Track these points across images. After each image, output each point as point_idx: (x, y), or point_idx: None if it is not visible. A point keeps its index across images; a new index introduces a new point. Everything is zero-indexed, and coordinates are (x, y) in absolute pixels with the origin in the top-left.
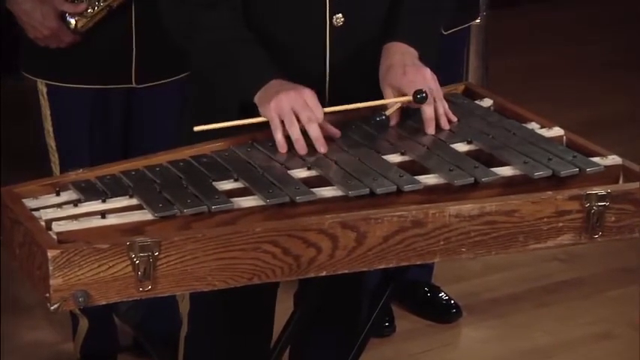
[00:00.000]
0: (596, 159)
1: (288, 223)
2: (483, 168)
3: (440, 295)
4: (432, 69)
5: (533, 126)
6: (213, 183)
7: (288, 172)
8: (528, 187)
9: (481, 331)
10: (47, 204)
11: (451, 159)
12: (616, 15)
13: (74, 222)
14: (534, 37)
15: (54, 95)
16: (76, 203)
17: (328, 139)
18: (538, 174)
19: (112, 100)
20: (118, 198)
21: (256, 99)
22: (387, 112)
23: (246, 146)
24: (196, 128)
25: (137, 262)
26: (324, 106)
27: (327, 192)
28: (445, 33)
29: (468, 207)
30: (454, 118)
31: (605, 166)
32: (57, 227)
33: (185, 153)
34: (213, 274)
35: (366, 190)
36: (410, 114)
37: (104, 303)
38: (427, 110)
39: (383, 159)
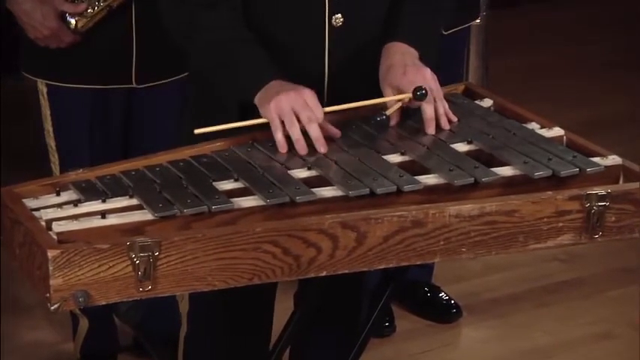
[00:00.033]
0: (596, 159)
1: (289, 223)
2: (483, 168)
3: (440, 295)
4: (432, 69)
5: (534, 126)
6: (214, 183)
7: (289, 172)
8: (528, 187)
9: (481, 331)
10: (47, 204)
11: (451, 159)
12: (616, 15)
13: (74, 222)
14: (534, 37)
15: (54, 95)
16: (76, 203)
17: (328, 139)
18: (538, 174)
19: (112, 100)
20: (118, 198)
21: (256, 99)
22: (388, 112)
23: (247, 146)
24: (197, 131)
25: (137, 262)
26: (323, 106)
27: (327, 192)
28: (445, 33)
29: (468, 207)
30: (454, 118)
31: (606, 166)
32: (57, 227)
33: (185, 153)
34: (214, 274)
35: (366, 190)
36: (410, 114)
37: (104, 303)
38: (427, 110)
39: (383, 159)
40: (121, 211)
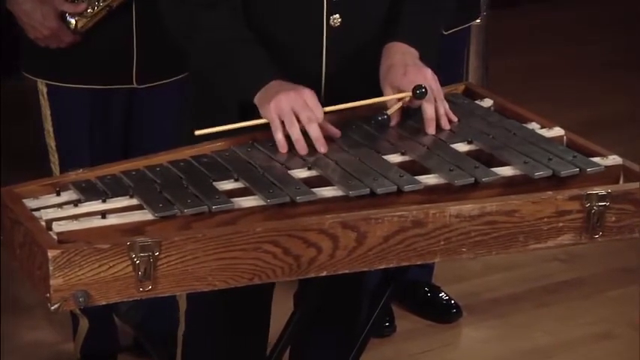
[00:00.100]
0: (596, 159)
1: (289, 223)
2: (484, 168)
3: (440, 295)
4: (432, 69)
5: (534, 126)
6: (214, 183)
7: (289, 172)
8: (529, 187)
9: (481, 331)
10: (47, 204)
11: (451, 159)
12: (616, 15)
13: (74, 222)
14: (534, 37)
15: (54, 95)
16: (76, 203)
17: (328, 139)
18: (538, 174)
19: (112, 101)
20: (119, 198)
21: (256, 99)
22: (389, 112)
23: (247, 146)
24: (197, 132)
25: (137, 262)
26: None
27: (327, 192)
28: (445, 33)
29: (468, 207)
30: (454, 118)
31: (606, 166)
32: (57, 227)
33: (185, 153)
34: (214, 274)
35: (367, 190)
36: (410, 114)
37: (104, 303)
38: (428, 110)
39: (383, 159)
40: (122, 211)
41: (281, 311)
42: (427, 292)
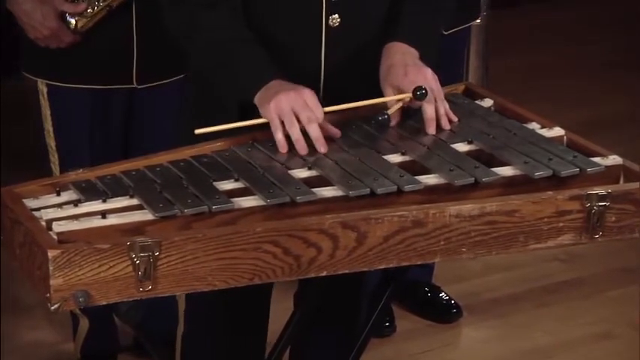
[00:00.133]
0: (596, 159)
1: (289, 223)
2: (484, 168)
3: (440, 295)
4: (432, 69)
5: (534, 126)
6: (214, 183)
7: (289, 172)
8: (529, 187)
9: (481, 331)
10: (47, 204)
11: (452, 159)
12: (616, 15)
13: (75, 222)
14: (534, 37)
15: (54, 95)
16: (76, 203)
17: (328, 139)
18: (538, 174)
19: (112, 101)
20: (119, 198)
21: (256, 99)
22: (389, 112)
23: (247, 146)
24: (197, 131)
25: (137, 262)
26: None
27: (327, 192)
28: (445, 33)
29: (468, 207)
30: (455, 118)
31: (606, 166)
32: (57, 227)
33: (185, 153)
34: (214, 274)
35: (367, 190)
36: (410, 114)
37: (104, 303)
38: (428, 110)
39: (383, 159)
40: (122, 211)
41: (281, 311)
42: (427, 292)
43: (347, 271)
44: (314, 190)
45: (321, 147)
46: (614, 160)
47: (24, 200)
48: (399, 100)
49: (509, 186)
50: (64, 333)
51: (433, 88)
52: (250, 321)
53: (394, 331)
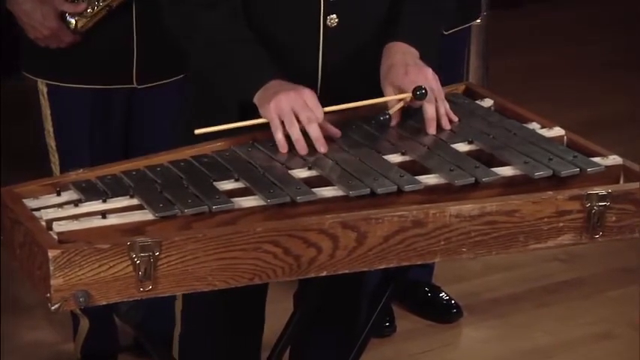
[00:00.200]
0: (596, 159)
1: (289, 223)
2: (484, 168)
3: (440, 295)
4: (433, 69)
5: (534, 126)
6: (214, 183)
7: (289, 172)
8: (529, 187)
9: (482, 331)
10: (48, 204)
11: (452, 159)
12: (616, 15)
13: (75, 222)
14: (534, 37)
15: (54, 95)
16: (76, 203)
17: (328, 139)
18: (539, 174)
19: (112, 101)
20: (119, 198)
21: (256, 99)
22: (391, 111)
23: (247, 146)
24: (197, 131)
25: (138, 262)
26: None
27: (327, 192)
28: (446, 33)
29: (468, 207)
30: (455, 118)
31: (606, 166)
32: (58, 227)
33: (186, 153)
34: (214, 274)
35: (367, 190)
36: (411, 114)
37: (105, 303)
38: (429, 110)
39: (383, 159)
40: (122, 211)
41: (281, 311)
42: (427, 292)
43: (347, 271)
44: (314, 190)
45: (321, 147)
46: (614, 160)
47: (24, 200)
48: (399, 100)
49: (510, 186)
50: (64, 333)
51: (434, 88)
52: (247, 320)
53: (394, 331)
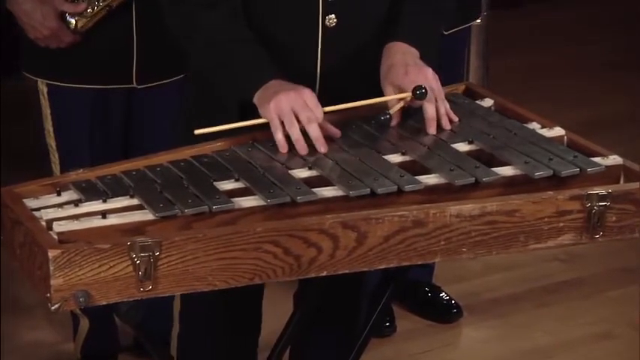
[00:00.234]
0: (597, 159)
1: (289, 223)
2: (484, 168)
3: (440, 295)
4: (433, 69)
5: (534, 126)
6: (214, 183)
7: (289, 172)
8: (529, 187)
9: (482, 331)
10: (48, 204)
11: (452, 159)
12: (616, 15)
13: (75, 222)
14: (534, 37)
15: (54, 95)
16: (76, 203)
17: (328, 139)
18: (539, 174)
19: (112, 100)
20: (119, 198)
21: (255, 99)
22: (391, 111)
23: (247, 146)
24: (197, 131)
25: (138, 262)
26: None
27: (327, 192)
28: (446, 33)
29: (468, 207)
30: (455, 118)
31: (606, 166)
32: (58, 227)
33: (186, 153)
34: (214, 274)
35: (367, 190)
36: (411, 114)
37: (105, 303)
38: (429, 110)
39: (384, 159)
40: (122, 211)
41: (281, 311)
42: (427, 292)
43: (347, 271)
44: (314, 190)
45: (321, 147)
46: (614, 160)
47: (24, 200)
48: (400, 100)
49: (510, 186)
50: (64, 333)
51: (434, 88)
52: (245, 320)
53: (394, 331)
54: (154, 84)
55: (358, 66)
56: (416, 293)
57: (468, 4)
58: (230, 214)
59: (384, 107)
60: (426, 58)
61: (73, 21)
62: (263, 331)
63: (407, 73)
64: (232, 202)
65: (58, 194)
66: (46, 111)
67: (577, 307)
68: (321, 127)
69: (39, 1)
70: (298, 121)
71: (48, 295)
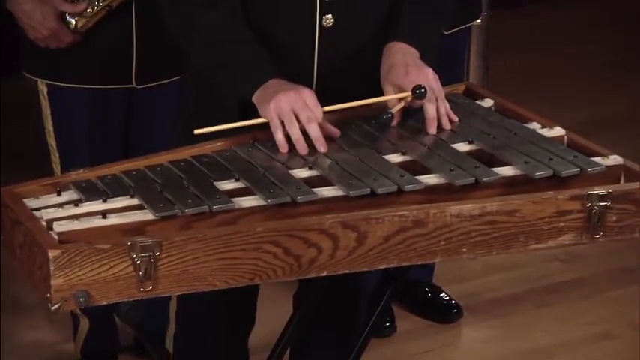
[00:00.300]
0: (597, 159)
1: (289, 223)
2: (484, 168)
3: (441, 295)
4: (433, 69)
5: (534, 126)
6: (214, 183)
7: (289, 172)
8: (529, 187)
9: (482, 331)
10: (48, 204)
11: (452, 159)
12: (616, 15)
13: (75, 222)
14: (534, 37)
15: (54, 95)
16: (77, 203)
17: (328, 138)
18: (539, 174)
19: (112, 100)
20: (119, 198)
21: (255, 99)
22: (393, 110)
23: (247, 146)
24: (197, 131)
25: (138, 262)
26: None
27: (328, 192)
28: (446, 33)
29: (469, 207)
30: (455, 118)
31: (606, 166)
32: (58, 227)
33: (186, 153)
34: (214, 274)
35: (367, 190)
36: (411, 114)
37: (105, 303)
38: (429, 110)
39: (384, 159)
40: (122, 211)
41: (281, 311)
42: (428, 292)
43: (347, 271)
44: (314, 190)
45: (321, 147)
46: (614, 160)
47: (24, 200)
48: (399, 100)
49: (510, 186)
50: (64, 333)
51: (434, 88)
52: (241, 320)
53: (394, 331)
54: (154, 84)
55: (357, 66)
56: (416, 293)
57: (468, 4)
58: (230, 214)
59: (383, 107)
60: (426, 58)
61: (73, 21)
62: (263, 331)
63: (407, 73)
64: (232, 202)
65: (59, 194)
66: (47, 111)
67: (577, 307)
68: (320, 126)
69: (39, 1)
70: (298, 120)
71: (48, 295)
